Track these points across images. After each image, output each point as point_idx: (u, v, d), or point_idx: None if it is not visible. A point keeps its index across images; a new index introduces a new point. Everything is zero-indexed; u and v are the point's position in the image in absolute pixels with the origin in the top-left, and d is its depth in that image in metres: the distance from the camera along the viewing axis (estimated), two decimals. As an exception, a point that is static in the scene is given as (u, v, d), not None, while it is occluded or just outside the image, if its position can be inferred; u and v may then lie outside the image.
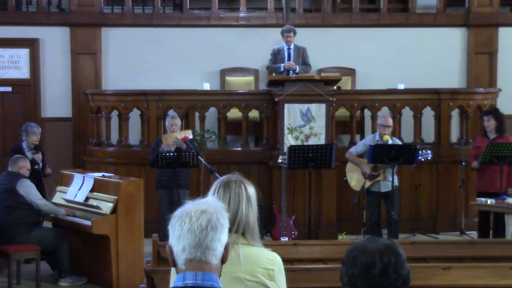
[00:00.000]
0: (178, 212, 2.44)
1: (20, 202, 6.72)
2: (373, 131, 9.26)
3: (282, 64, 9.27)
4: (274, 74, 9.48)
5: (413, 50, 10.79)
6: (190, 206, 2.43)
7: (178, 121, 8.27)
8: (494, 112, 8.26)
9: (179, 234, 2.39)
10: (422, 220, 9.19)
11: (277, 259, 3.12)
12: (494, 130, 8.17)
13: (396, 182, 8.09)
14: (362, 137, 9.83)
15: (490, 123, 8.16)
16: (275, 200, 8.70)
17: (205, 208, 2.41)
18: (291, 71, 9.25)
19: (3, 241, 6.67)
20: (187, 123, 9.43)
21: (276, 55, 9.39)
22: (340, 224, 8.96)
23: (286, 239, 8.32)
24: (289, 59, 9.32)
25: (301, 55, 9.37)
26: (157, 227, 8.20)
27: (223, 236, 2.40)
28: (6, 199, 6.74)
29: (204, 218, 2.38)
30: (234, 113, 9.45)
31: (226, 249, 2.42)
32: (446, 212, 9.31)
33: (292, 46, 9.36)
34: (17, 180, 6.75)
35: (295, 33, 9.34)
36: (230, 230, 2.48)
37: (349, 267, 2.43)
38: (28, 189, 6.76)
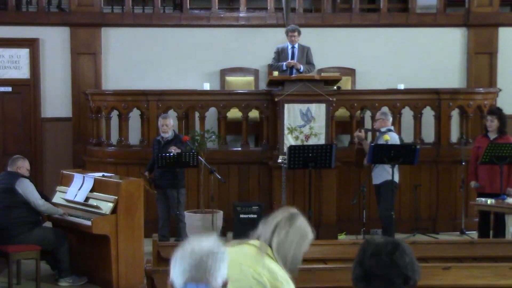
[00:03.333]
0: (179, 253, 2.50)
1: (19, 201, 6.71)
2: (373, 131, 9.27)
3: (285, 63, 9.25)
4: (277, 72, 9.47)
5: (413, 50, 10.80)
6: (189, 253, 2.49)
7: (169, 121, 8.23)
8: (498, 112, 8.23)
9: (180, 263, 2.48)
10: (422, 220, 9.20)
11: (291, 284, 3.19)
12: (495, 131, 8.16)
13: (384, 178, 8.05)
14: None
15: (493, 123, 8.13)
16: (275, 200, 8.69)
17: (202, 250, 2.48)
18: (294, 70, 9.21)
19: (3, 241, 6.66)
20: (187, 123, 9.44)
21: (280, 54, 9.37)
22: (340, 224, 8.96)
23: (286, 239, 8.30)
24: (292, 58, 9.28)
25: (305, 54, 9.34)
26: (157, 227, 8.21)
27: (223, 267, 2.47)
28: (5, 199, 6.73)
29: (204, 249, 2.47)
30: (234, 113, 9.45)
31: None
32: (446, 212, 9.31)
33: (296, 46, 9.33)
34: (16, 180, 6.75)
35: (299, 32, 9.32)
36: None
37: (356, 256, 2.48)
38: (26, 188, 6.75)
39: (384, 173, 8.07)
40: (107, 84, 10.54)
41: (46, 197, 7.82)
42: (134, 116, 9.34)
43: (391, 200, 8.13)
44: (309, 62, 9.33)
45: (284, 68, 9.23)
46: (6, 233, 6.67)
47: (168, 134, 8.19)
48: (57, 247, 6.86)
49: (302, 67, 9.17)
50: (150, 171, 8.28)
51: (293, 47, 9.31)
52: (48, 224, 7.35)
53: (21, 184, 6.74)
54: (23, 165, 6.92)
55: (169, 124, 8.19)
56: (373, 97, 9.36)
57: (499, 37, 10.88)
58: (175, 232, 8.22)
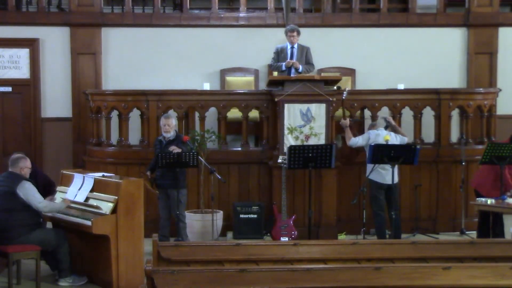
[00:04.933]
0: None
1: (19, 204, 6.67)
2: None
3: (284, 63, 9.25)
4: (276, 72, 9.47)
5: (413, 50, 10.80)
6: None
7: (171, 121, 8.22)
8: None
9: None
10: (422, 220, 9.19)
11: None
12: None
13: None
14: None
15: None
16: (275, 200, 8.70)
17: None
18: (293, 70, 9.20)
19: (3, 242, 6.65)
20: (187, 123, 9.44)
21: (279, 54, 9.36)
22: (340, 224, 8.97)
23: (286, 239, 8.33)
24: (291, 58, 9.26)
25: (305, 54, 9.33)
26: (157, 227, 8.21)
27: None
28: (5, 201, 6.69)
29: None
30: (234, 113, 9.45)
31: None
32: (446, 212, 9.30)
33: (296, 45, 9.32)
34: (17, 183, 6.69)
35: (298, 32, 9.31)
36: None
37: None
38: (27, 192, 6.71)
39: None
40: (107, 84, 10.55)
41: (51, 182, 7.84)
42: (134, 116, 9.33)
43: (376, 199, 8.22)
44: (308, 62, 9.32)
45: (284, 68, 9.22)
46: (6, 235, 6.65)
47: (170, 134, 8.19)
48: (57, 248, 6.85)
49: (301, 67, 9.16)
50: (152, 171, 8.27)
51: (292, 47, 9.30)
52: (48, 224, 7.34)
53: (22, 187, 6.70)
54: (25, 166, 6.88)
55: (171, 124, 8.18)
56: (373, 97, 9.36)
57: (499, 37, 10.89)
58: (175, 232, 8.21)
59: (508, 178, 8.07)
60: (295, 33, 9.26)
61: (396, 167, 8.22)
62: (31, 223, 6.77)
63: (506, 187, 7.98)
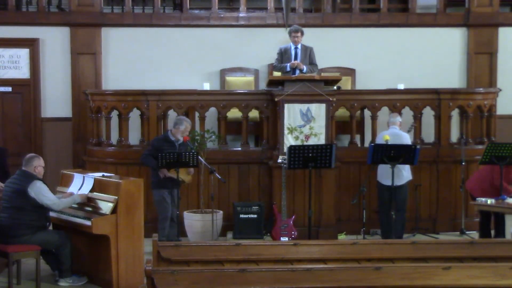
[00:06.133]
0: None
1: (29, 204, 6.65)
2: (373, 131, 9.28)
3: (288, 64, 9.23)
4: (280, 72, 9.46)
5: (413, 50, 10.81)
6: None
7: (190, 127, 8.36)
8: None
9: None
10: (422, 220, 9.19)
11: None
12: None
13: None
14: (362, 137, 9.87)
15: None
16: (275, 200, 8.70)
17: None
18: (297, 71, 9.19)
19: (5, 240, 6.64)
20: (187, 123, 9.44)
21: (283, 54, 9.35)
22: (340, 224, 8.97)
23: (286, 239, 8.33)
24: (295, 59, 9.25)
25: (308, 55, 9.33)
26: (157, 227, 8.20)
27: None
28: (15, 199, 6.67)
29: None
30: (234, 113, 9.45)
31: None
32: (446, 212, 9.31)
33: (299, 46, 9.31)
34: (29, 182, 6.66)
35: (302, 33, 9.30)
36: None
37: None
38: (39, 191, 6.67)
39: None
40: (107, 84, 10.55)
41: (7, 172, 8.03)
42: (134, 116, 9.34)
43: (382, 199, 8.36)
44: (312, 63, 9.32)
45: (288, 69, 9.21)
46: (10, 233, 6.65)
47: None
48: (59, 249, 6.85)
49: (305, 68, 9.16)
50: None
51: (296, 48, 9.30)
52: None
53: (34, 187, 6.66)
54: (39, 164, 6.86)
55: (189, 129, 8.31)
56: (373, 97, 9.36)
57: (499, 37, 10.89)
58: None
59: (507, 187, 8.07)
60: (299, 34, 9.26)
61: (408, 168, 8.27)
62: (37, 225, 6.76)
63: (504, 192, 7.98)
